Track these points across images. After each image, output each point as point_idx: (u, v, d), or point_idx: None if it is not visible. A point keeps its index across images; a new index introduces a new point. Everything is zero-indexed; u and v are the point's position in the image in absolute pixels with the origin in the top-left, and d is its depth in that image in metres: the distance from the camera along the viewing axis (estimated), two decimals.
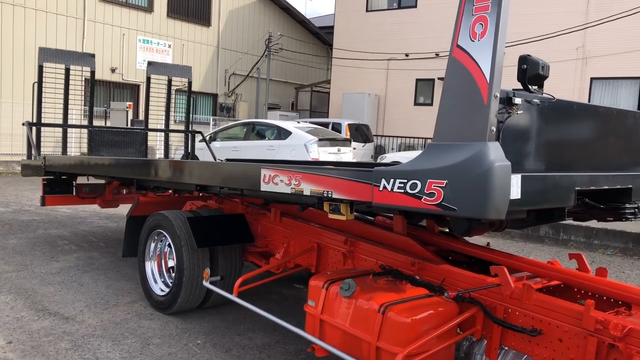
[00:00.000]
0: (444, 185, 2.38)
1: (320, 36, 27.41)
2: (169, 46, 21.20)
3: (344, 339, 2.95)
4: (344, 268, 3.82)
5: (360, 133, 17.28)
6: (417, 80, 19.69)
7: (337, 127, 16.60)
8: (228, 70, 23.65)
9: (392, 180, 2.58)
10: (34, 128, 7.08)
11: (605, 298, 3.04)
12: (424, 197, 2.44)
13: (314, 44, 27.53)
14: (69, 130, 7.82)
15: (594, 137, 3.14)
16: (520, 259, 3.51)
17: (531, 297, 2.77)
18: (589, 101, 16.09)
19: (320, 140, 12.49)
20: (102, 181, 6.93)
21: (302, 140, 12.47)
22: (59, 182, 6.75)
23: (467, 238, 4.09)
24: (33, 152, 6.85)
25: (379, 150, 19.26)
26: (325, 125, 16.22)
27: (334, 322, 3.01)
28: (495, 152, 2.31)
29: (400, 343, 2.68)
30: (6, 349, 3.76)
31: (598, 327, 2.47)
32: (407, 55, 19.49)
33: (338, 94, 21.49)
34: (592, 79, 16.35)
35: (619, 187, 3.12)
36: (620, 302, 2.97)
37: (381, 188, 2.63)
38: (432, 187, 2.41)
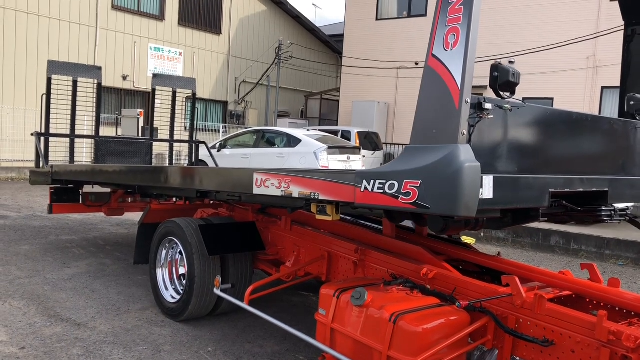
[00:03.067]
0: (418, 185, 2.53)
1: (330, 44, 27.51)
2: (180, 54, 21.36)
3: (355, 347, 2.95)
4: (354, 277, 3.83)
5: (369, 141, 17.29)
6: None
7: (346, 135, 16.61)
8: (238, 78, 23.78)
9: (372, 181, 2.74)
10: (42, 138, 7.30)
11: (617, 309, 3.03)
12: (401, 196, 2.60)
13: (323, 52, 27.63)
14: (81, 138, 8.02)
15: (568, 141, 3.22)
16: (532, 269, 3.51)
17: (543, 308, 2.77)
18: (599, 110, 16.01)
19: (329, 148, 12.51)
20: (108, 190, 7.07)
21: (311, 148, 12.50)
22: (66, 190, 6.96)
23: (478, 248, 4.09)
24: (41, 161, 7.01)
25: (389, 158, 19.25)
26: (335, 133, 16.24)
27: (345, 331, 3.01)
28: (465, 154, 2.45)
29: (411, 352, 2.67)
30: (19, 354, 3.80)
31: (611, 338, 2.47)
32: (416, 63, 19.50)
33: (347, 101, 21.53)
34: (603, 87, 16.27)
35: (595, 190, 3.23)
36: (633, 313, 2.96)
37: (362, 189, 2.79)
38: (408, 186, 2.57)
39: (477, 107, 2.57)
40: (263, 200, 4.24)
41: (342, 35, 22.74)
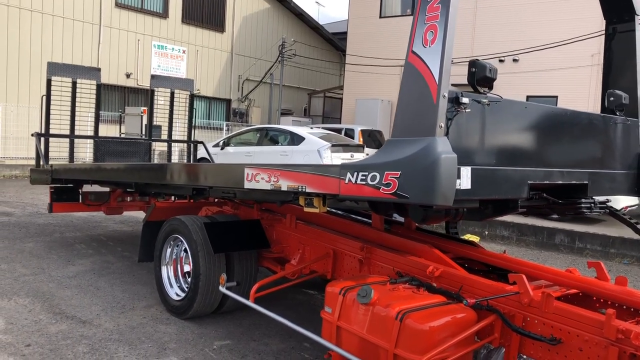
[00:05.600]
0: (398, 176, 2.65)
1: (334, 42, 27.48)
2: (184, 52, 21.36)
3: (361, 345, 2.95)
4: (360, 274, 3.82)
5: (373, 139, 17.25)
6: None
7: (350, 133, 16.57)
8: (241, 76, 23.78)
9: (355, 174, 2.86)
10: (42, 138, 7.45)
11: (625, 307, 3.02)
12: (382, 187, 2.72)
13: (327, 50, 27.60)
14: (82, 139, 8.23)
15: (547, 135, 3.31)
16: (538, 267, 3.50)
17: (550, 306, 2.75)
18: (602, 109, 15.95)
19: (333, 146, 12.49)
20: (107, 189, 7.17)
21: (315, 146, 12.48)
22: (65, 189, 7.09)
23: (484, 246, 4.08)
24: (41, 161, 7.11)
25: None
26: (338, 131, 16.22)
27: (350, 329, 3.00)
28: (442, 146, 2.57)
29: (418, 350, 2.66)
30: (25, 352, 3.80)
31: (619, 336, 2.45)
32: None
33: (351, 99, 21.50)
34: None
35: (574, 182, 3.35)
36: None
37: (346, 181, 2.91)
38: (389, 177, 2.69)
39: (455, 101, 2.69)
40: (255, 196, 4.33)
41: (345, 33, 22.70)
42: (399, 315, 2.75)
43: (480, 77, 2.92)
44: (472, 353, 2.88)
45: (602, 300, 3.14)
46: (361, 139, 16.24)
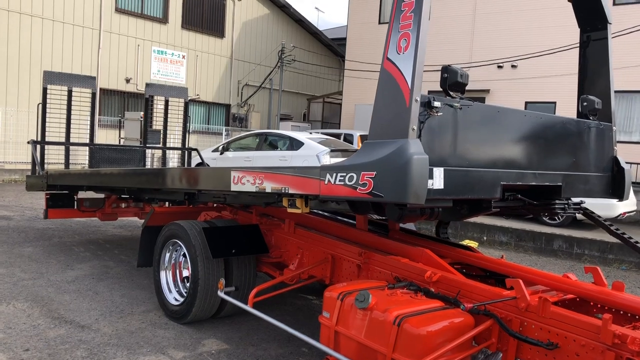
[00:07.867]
0: (373, 176, 2.79)
1: (333, 48, 27.53)
2: (183, 57, 21.39)
3: (359, 350, 2.96)
4: (358, 279, 3.83)
5: None
6: (429, 92, 19.63)
7: (349, 139, 16.59)
8: (241, 81, 23.81)
9: (334, 174, 3.00)
10: (38, 146, 7.54)
11: (622, 312, 3.03)
12: (359, 187, 2.86)
13: (326, 56, 27.66)
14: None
15: (520, 138, 3.39)
16: (536, 272, 3.52)
17: (547, 311, 2.77)
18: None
19: (332, 151, 12.49)
20: (102, 195, 7.25)
21: (314, 151, 12.49)
22: (61, 196, 7.18)
23: (482, 251, 4.10)
24: (37, 168, 7.17)
25: None
26: (337, 136, 16.23)
27: (349, 334, 3.01)
28: (414, 147, 2.70)
29: (415, 355, 2.67)
30: (23, 356, 3.80)
31: (616, 341, 2.46)
32: None
33: (350, 105, 21.54)
34: None
35: (547, 184, 3.46)
36: (637, 317, 2.96)
37: (326, 182, 3.05)
38: (365, 178, 2.83)
39: (427, 105, 2.81)
40: (243, 199, 4.43)
41: (344, 39, 22.75)
42: (397, 320, 2.76)
43: (452, 82, 3.02)
44: (469, 358, 2.89)
45: (599, 306, 3.15)
46: (360, 144, 16.25)
